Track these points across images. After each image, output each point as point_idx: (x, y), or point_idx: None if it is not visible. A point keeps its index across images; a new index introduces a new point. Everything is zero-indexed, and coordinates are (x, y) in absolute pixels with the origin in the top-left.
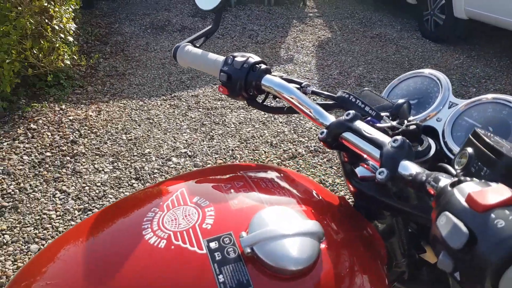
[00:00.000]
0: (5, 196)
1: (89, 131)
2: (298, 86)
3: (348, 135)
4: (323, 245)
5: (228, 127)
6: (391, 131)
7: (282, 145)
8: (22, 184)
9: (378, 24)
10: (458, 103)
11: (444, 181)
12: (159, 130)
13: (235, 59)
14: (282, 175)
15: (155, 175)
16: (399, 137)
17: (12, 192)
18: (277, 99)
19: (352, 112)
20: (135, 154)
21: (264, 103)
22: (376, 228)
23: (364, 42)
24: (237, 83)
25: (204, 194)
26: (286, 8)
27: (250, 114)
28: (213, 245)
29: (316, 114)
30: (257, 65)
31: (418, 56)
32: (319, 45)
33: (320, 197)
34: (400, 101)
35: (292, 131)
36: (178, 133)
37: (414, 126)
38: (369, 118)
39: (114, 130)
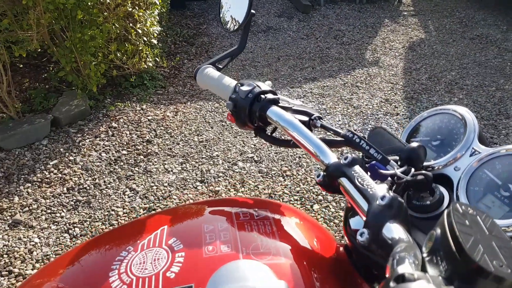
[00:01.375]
0: (81, 190)
1: (164, 132)
2: (307, 118)
3: (344, 180)
4: None
5: None
6: (396, 180)
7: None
8: (97, 180)
9: (480, 24)
10: (481, 151)
11: (402, 268)
12: (230, 133)
13: (241, 87)
14: (277, 215)
15: (219, 179)
16: (387, 194)
17: (88, 187)
18: None
19: (350, 155)
20: (203, 156)
21: (273, 135)
22: None
23: (462, 44)
24: (241, 113)
25: (181, 235)
26: (379, 6)
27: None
28: None
29: (318, 152)
30: (262, 95)
31: None
32: (409, 46)
33: (313, 246)
34: (413, 144)
35: None
36: (247, 137)
37: (422, 177)
38: (374, 162)
39: (187, 131)
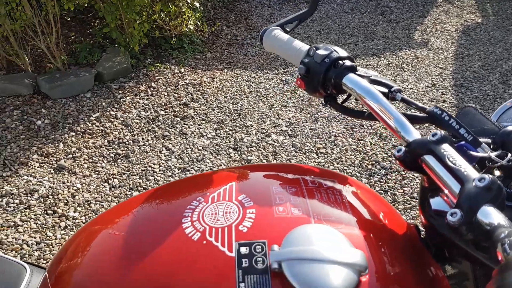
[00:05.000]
0: (120, 144)
1: (200, 96)
2: (386, 90)
3: (429, 158)
4: (364, 279)
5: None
6: (488, 164)
7: (393, 139)
8: (136, 137)
9: None
10: None
11: None
12: (265, 104)
13: (317, 51)
14: (345, 187)
15: (252, 148)
16: (487, 176)
17: (127, 142)
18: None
19: (439, 132)
20: (237, 124)
21: (344, 104)
22: (444, 272)
23: None
24: (314, 78)
25: (251, 193)
26: None
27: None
28: (243, 250)
29: (399, 127)
30: (340, 61)
31: None
32: (463, 30)
33: (383, 221)
34: (510, 127)
35: None
36: (282, 110)
37: None
38: (463, 142)
39: (223, 98)
